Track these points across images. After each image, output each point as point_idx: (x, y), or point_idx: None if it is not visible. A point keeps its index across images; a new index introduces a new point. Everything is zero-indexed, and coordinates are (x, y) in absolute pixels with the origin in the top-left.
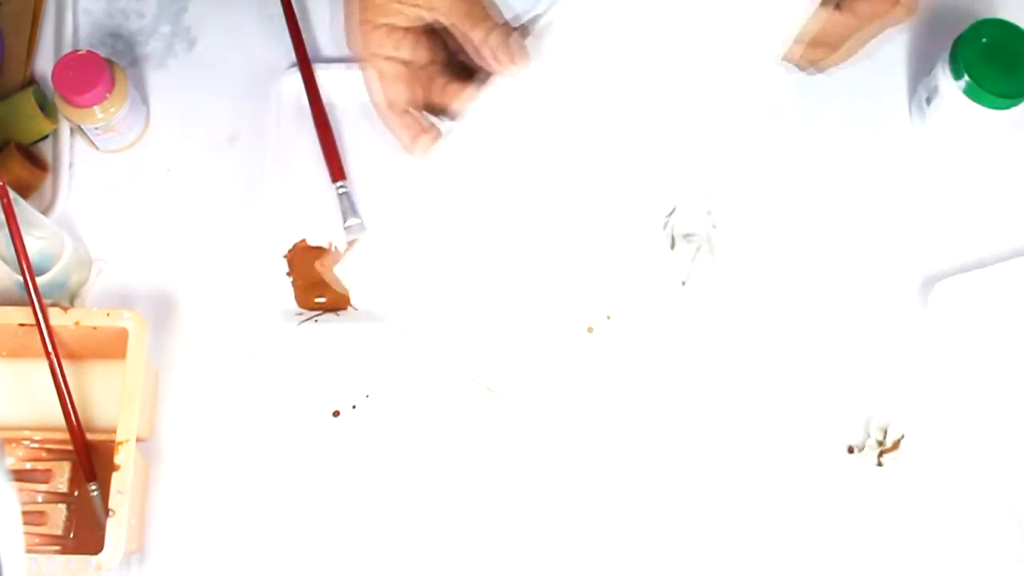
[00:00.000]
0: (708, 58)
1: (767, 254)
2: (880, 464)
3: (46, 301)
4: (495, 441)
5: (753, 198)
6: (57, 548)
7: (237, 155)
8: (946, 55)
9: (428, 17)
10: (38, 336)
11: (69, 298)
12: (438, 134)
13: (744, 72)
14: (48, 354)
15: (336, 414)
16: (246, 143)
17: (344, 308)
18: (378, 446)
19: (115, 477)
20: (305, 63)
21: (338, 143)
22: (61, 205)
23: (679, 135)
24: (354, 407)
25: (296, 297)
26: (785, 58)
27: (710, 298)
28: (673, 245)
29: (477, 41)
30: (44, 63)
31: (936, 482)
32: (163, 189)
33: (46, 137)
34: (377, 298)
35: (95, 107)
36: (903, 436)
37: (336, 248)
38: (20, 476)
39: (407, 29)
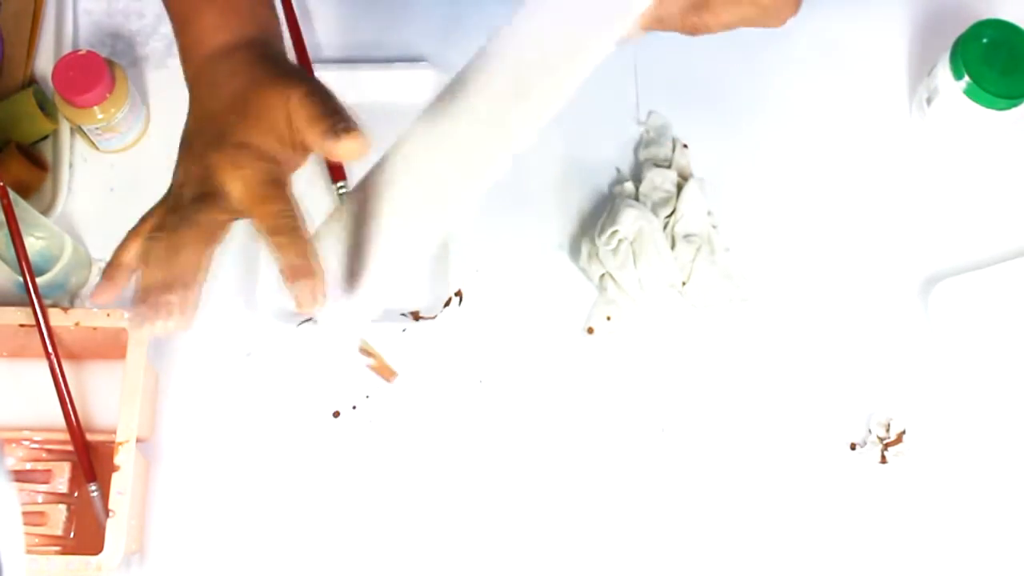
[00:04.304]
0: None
1: (767, 254)
2: (884, 460)
3: (46, 301)
4: (495, 441)
5: (753, 198)
6: (57, 548)
7: None
8: (946, 55)
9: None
10: (38, 336)
11: (69, 298)
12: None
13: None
14: (48, 354)
15: (336, 414)
16: None
17: None
18: (378, 446)
19: (115, 477)
20: (305, 63)
21: None
22: (61, 205)
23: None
24: (354, 407)
25: None
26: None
27: (710, 298)
28: (673, 245)
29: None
30: (44, 63)
31: (936, 481)
32: (163, 189)
33: (46, 137)
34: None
35: (95, 107)
36: (905, 431)
37: None
38: (20, 476)
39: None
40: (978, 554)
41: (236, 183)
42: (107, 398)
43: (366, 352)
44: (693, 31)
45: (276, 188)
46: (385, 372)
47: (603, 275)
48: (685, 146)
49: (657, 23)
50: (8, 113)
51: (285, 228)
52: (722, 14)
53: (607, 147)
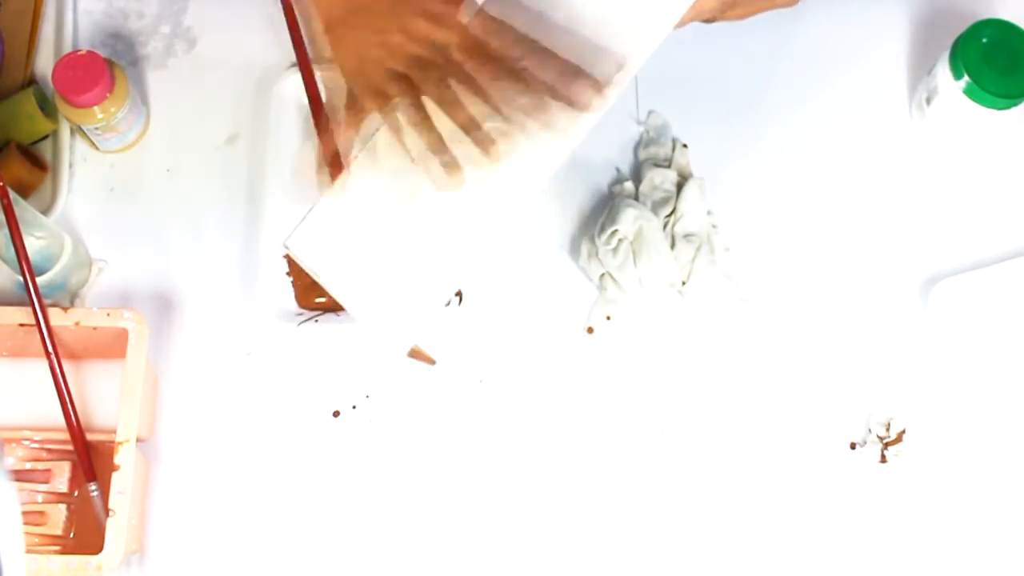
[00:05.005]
0: None
1: (767, 254)
2: (884, 460)
3: (46, 301)
4: (495, 441)
5: (753, 198)
6: (57, 548)
7: (237, 155)
8: (946, 55)
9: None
10: (38, 336)
11: (69, 298)
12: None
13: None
14: (48, 354)
15: (336, 414)
16: (246, 143)
17: (344, 309)
18: (378, 446)
19: (115, 477)
20: (305, 63)
21: None
22: (61, 205)
23: None
24: (354, 407)
25: (296, 297)
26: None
27: (710, 298)
28: (673, 245)
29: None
30: (44, 63)
31: (936, 480)
32: (163, 189)
33: (46, 137)
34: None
35: (95, 107)
36: (905, 431)
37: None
38: (20, 476)
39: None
40: (978, 554)
41: None
42: (107, 398)
43: (416, 354)
44: (712, 21)
45: None
46: (425, 358)
47: (603, 275)
48: (685, 146)
49: (690, 20)
50: (8, 113)
51: None
52: (742, 10)
53: (607, 147)
